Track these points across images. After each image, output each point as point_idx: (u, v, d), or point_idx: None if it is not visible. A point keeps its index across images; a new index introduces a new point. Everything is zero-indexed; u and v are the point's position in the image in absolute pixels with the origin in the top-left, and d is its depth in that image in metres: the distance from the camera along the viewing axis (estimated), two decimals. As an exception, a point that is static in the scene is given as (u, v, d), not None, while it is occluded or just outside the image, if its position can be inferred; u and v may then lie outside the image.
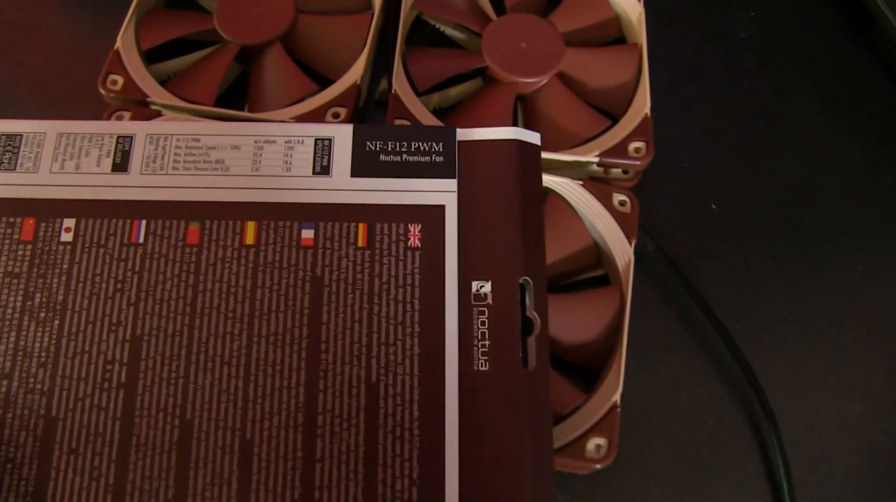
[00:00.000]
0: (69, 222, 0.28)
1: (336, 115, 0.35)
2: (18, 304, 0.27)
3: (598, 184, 0.33)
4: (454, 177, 0.29)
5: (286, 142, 0.29)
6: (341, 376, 0.26)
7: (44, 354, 0.26)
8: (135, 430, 0.25)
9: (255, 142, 0.29)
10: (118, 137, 0.29)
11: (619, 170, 0.35)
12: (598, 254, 0.34)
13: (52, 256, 0.27)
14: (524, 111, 0.37)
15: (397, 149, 0.29)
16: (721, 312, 0.33)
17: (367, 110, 0.39)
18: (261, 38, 0.37)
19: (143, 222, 0.28)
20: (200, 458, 0.25)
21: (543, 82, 0.36)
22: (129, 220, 0.28)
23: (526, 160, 0.29)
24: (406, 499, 0.24)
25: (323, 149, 0.29)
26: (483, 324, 0.27)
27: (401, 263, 0.27)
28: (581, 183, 0.33)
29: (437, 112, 0.37)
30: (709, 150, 0.38)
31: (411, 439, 0.25)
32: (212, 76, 0.36)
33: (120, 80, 0.35)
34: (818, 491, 0.31)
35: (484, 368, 0.26)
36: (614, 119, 0.36)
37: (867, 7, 0.42)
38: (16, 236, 0.28)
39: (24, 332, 0.26)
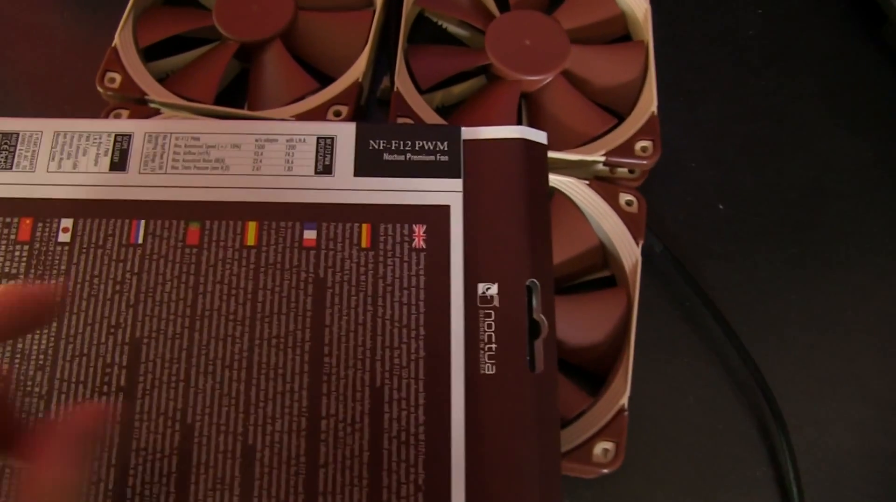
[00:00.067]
0: (67, 222, 0.27)
1: (337, 114, 0.34)
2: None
3: (604, 183, 0.33)
4: (459, 177, 0.28)
5: (287, 141, 0.29)
6: (345, 380, 0.25)
7: (41, 357, 0.25)
8: (134, 434, 0.25)
9: (256, 140, 0.28)
10: (116, 136, 0.28)
11: (625, 170, 0.35)
12: (604, 255, 0.33)
13: (50, 257, 0.27)
14: (528, 110, 0.37)
15: (401, 148, 0.29)
16: (729, 314, 0.33)
17: (369, 108, 0.38)
18: (260, 34, 0.37)
19: (142, 222, 0.27)
20: (201, 463, 0.24)
21: (548, 80, 0.36)
22: (127, 220, 0.27)
23: (532, 159, 0.29)
24: (412, 506, 0.24)
25: (325, 147, 0.29)
26: (489, 326, 0.26)
27: (405, 265, 0.27)
28: (587, 182, 0.33)
29: (440, 110, 0.37)
30: (716, 150, 0.38)
31: (417, 444, 0.25)
32: (211, 74, 0.36)
33: (118, 77, 0.35)
34: (828, 496, 0.30)
35: (490, 372, 0.26)
36: (620, 118, 0.35)
37: (878, 4, 0.41)
38: (12, 236, 0.27)
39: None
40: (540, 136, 0.29)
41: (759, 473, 0.30)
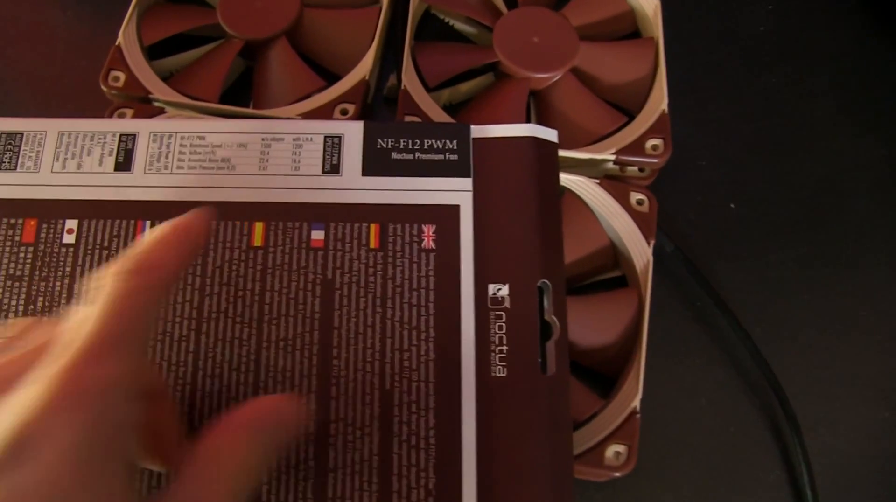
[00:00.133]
0: (71, 223, 0.27)
1: (344, 112, 0.34)
2: (21, 308, 0.26)
3: (615, 182, 0.33)
4: (469, 176, 0.28)
5: (294, 140, 0.28)
6: (354, 383, 0.25)
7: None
8: (140, 439, 0.24)
9: (263, 140, 0.28)
10: (121, 135, 0.28)
11: (635, 168, 0.34)
12: (614, 254, 0.33)
13: (55, 258, 0.26)
14: (537, 107, 0.36)
15: (410, 146, 0.28)
16: (741, 315, 0.32)
17: (375, 106, 0.38)
18: (266, 32, 0.36)
19: (147, 223, 0.27)
20: (208, 469, 0.24)
21: (557, 78, 0.35)
22: (132, 221, 0.27)
23: (543, 158, 0.28)
24: (422, 511, 0.24)
25: (333, 146, 0.28)
26: (500, 328, 0.26)
27: (415, 265, 0.26)
28: (597, 181, 0.32)
29: (448, 108, 0.36)
30: (726, 148, 0.37)
31: (427, 448, 0.24)
32: (215, 72, 0.35)
33: (122, 76, 0.34)
34: (843, 500, 0.30)
35: (501, 374, 0.25)
36: (630, 115, 0.35)
37: (889, -1, 0.41)
38: (17, 238, 0.27)
39: (26, 337, 0.25)
40: (550, 135, 0.29)
41: (772, 477, 0.30)
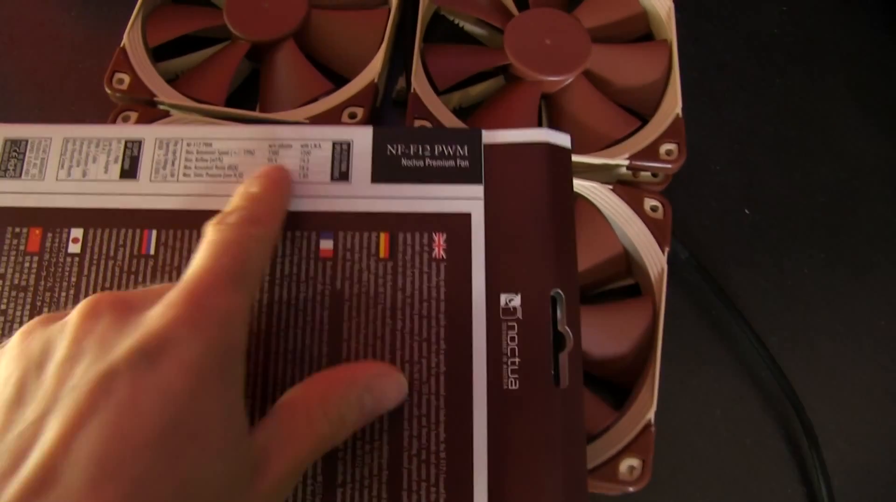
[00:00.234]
0: (77, 232, 0.26)
1: (353, 116, 0.33)
2: (26, 319, 0.25)
3: (628, 188, 0.32)
4: (480, 183, 0.27)
5: (302, 147, 0.28)
6: (363, 396, 0.24)
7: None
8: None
9: (270, 146, 0.27)
10: (126, 142, 0.28)
11: (649, 174, 0.34)
12: (628, 262, 0.32)
13: (60, 268, 0.26)
14: (549, 111, 0.36)
15: (420, 152, 0.28)
16: (756, 323, 0.32)
17: (384, 110, 0.37)
18: (273, 34, 0.36)
19: (154, 232, 0.26)
20: (215, 484, 0.23)
21: (569, 81, 0.35)
22: (138, 230, 0.26)
23: (556, 164, 0.28)
24: (433, 527, 0.23)
25: (341, 153, 0.28)
26: (512, 339, 0.25)
27: (425, 275, 0.26)
28: (611, 187, 0.32)
29: (458, 112, 0.36)
30: (741, 152, 0.37)
31: (438, 463, 0.24)
32: (222, 75, 0.35)
33: (126, 78, 0.34)
34: (862, 514, 0.29)
35: (514, 387, 0.25)
36: (643, 119, 0.34)
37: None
38: (22, 247, 0.26)
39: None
40: (564, 140, 0.28)
41: (789, 490, 0.30)
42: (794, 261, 0.34)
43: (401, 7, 0.37)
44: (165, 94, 0.34)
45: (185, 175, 0.27)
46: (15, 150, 0.28)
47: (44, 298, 0.26)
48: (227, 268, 0.21)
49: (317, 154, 0.27)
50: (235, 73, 0.35)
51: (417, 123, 0.33)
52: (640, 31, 0.38)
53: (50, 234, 0.26)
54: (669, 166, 0.32)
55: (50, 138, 0.28)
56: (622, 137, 0.33)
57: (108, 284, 0.26)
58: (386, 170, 0.27)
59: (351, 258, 0.26)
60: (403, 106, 0.34)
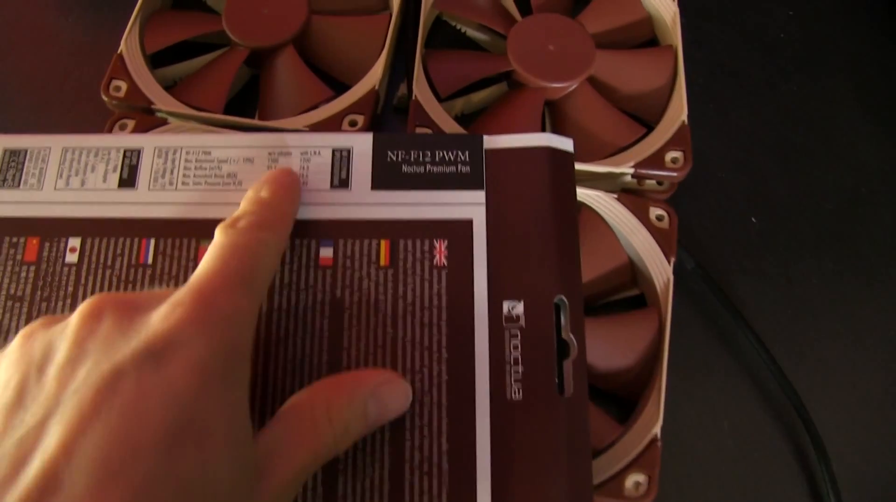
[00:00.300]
0: (74, 242, 0.26)
1: (353, 123, 0.33)
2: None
3: (633, 197, 0.31)
4: (482, 189, 0.27)
5: (302, 154, 0.27)
6: (364, 407, 0.24)
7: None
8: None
9: (270, 154, 0.27)
10: (125, 151, 0.27)
11: (654, 182, 0.33)
12: (633, 272, 0.32)
13: (57, 278, 0.26)
14: (553, 118, 0.35)
15: (420, 159, 0.27)
16: (764, 333, 0.31)
17: (385, 117, 0.37)
18: (272, 40, 0.35)
19: (152, 241, 0.26)
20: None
21: (573, 87, 0.34)
22: (136, 239, 0.26)
23: (558, 168, 0.27)
24: (435, 541, 0.23)
25: (341, 160, 0.27)
26: (516, 347, 0.25)
27: (426, 283, 0.25)
28: (615, 196, 0.31)
29: (460, 119, 0.35)
30: (747, 158, 0.36)
31: (440, 475, 0.23)
32: (220, 81, 0.34)
33: (123, 86, 0.34)
34: (875, 530, 0.29)
35: (517, 397, 0.24)
36: (648, 126, 0.34)
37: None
38: (19, 257, 0.26)
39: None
40: (566, 144, 0.28)
41: (799, 505, 0.29)
42: (801, 269, 0.34)
43: (402, 12, 0.37)
44: (163, 101, 0.33)
45: (183, 183, 0.27)
46: (14, 160, 0.27)
47: (40, 309, 0.25)
48: (235, 271, 0.21)
49: (316, 161, 0.27)
50: (234, 79, 0.35)
51: (419, 130, 0.33)
52: (645, 37, 0.38)
53: (47, 244, 0.26)
54: (675, 174, 0.32)
55: (49, 148, 0.28)
56: (627, 145, 0.33)
57: (104, 294, 0.25)
58: (386, 176, 0.27)
59: (351, 266, 0.26)
60: (405, 113, 0.34)
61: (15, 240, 0.26)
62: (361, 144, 0.27)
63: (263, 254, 0.22)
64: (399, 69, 0.37)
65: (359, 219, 0.26)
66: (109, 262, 0.26)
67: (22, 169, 0.27)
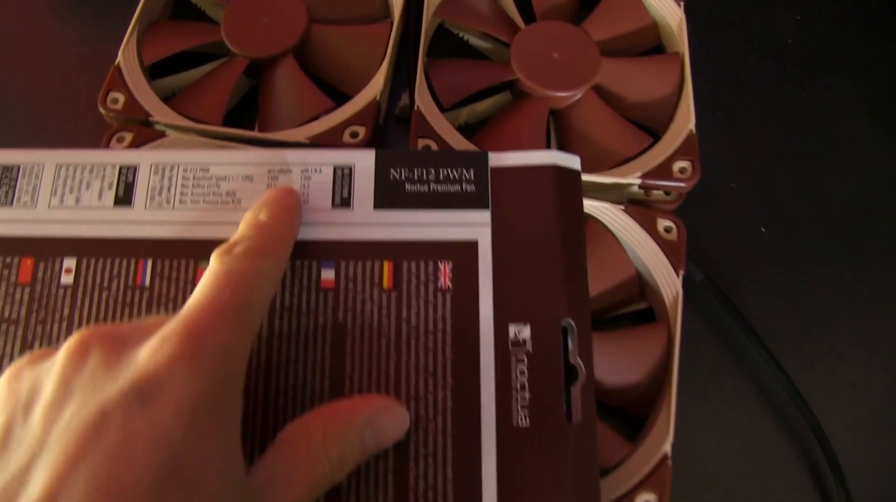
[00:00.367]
0: (69, 262, 0.25)
1: (354, 135, 0.32)
2: (16, 354, 0.25)
3: (640, 208, 0.31)
4: (487, 208, 0.26)
5: (302, 172, 0.27)
6: (367, 435, 0.23)
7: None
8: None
9: (269, 172, 0.26)
10: (121, 168, 0.27)
11: (661, 192, 0.32)
12: (641, 285, 0.31)
13: (52, 300, 0.25)
14: (558, 128, 0.35)
15: (424, 177, 0.27)
16: (775, 347, 0.31)
17: (386, 128, 0.36)
18: (272, 50, 0.35)
19: (149, 262, 0.25)
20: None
21: (578, 96, 0.34)
22: (133, 260, 0.25)
23: (566, 188, 0.27)
24: (441, 573, 0.22)
25: (343, 178, 0.27)
26: (522, 373, 0.24)
27: (430, 306, 0.25)
28: (622, 207, 0.31)
29: (463, 129, 0.35)
30: (756, 167, 0.36)
31: (445, 504, 0.23)
32: (219, 92, 0.34)
33: (121, 98, 0.33)
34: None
35: (524, 424, 0.24)
36: (655, 136, 0.33)
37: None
38: (13, 278, 0.25)
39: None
40: (573, 162, 0.27)
41: (814, 526, 0.28)
42: (812, 280, 0.33)
43: (404, 21, 0.36)
44: (161, 113, 0.33)
45: (181, 202, 0.26)
46: (7, 177, 0.27)
47: (35, 332, 0.25)
48: (228, 302, 0.20)
49: (317, 179, 0.26)
50: (233, 90, 0.34)
51: (421, 142, 0.32)
52: (651, 44, 0.37)
53: (42, 264, 0.26)
54: (683, 184, 0.31)
55: (42, 164, 0.27)
56: (634, 155, 0.32)
57: (101, 317, 0.25)
58: (389, 195, 0.26)
59: (353, 288, 0.25)
60: (407, 123, 0.33)
61: (9, 260, 0.26)
62: (364, 161, 0.27)
63: (259, 283, 0.22)
64: (401, 79, 0.36)
65: (361, 240, 0.26)
66: (106, 284, 0.25)
67: (15, 186, 0.27)
